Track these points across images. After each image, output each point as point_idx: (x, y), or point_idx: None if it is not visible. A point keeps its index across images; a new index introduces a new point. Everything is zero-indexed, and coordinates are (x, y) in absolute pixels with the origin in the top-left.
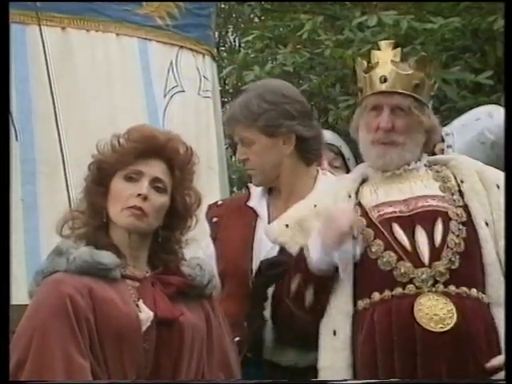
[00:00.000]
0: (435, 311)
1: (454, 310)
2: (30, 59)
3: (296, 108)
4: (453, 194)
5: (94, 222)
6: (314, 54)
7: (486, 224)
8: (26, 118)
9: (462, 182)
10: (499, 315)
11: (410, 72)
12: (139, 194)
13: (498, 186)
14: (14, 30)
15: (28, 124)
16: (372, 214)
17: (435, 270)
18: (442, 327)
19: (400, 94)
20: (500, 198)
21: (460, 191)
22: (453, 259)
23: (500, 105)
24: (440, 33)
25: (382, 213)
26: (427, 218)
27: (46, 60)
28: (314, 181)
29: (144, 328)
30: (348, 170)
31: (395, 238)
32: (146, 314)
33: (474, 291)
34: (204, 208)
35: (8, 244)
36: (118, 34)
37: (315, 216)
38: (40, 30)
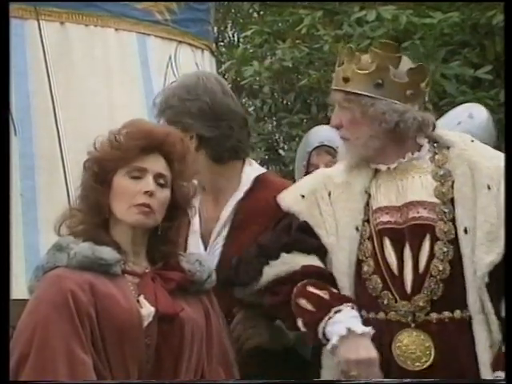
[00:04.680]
0: (413, 349)
1: (432, 346)
2: (29, 54)
3: (200, 107)
4: (445, 203)
5: (93, 219)
6: (312, 49)
7: (465, 231)
8: (25, 112)
9: (453, 182)
10: (479, 327)
11: (341, 68)
12: (146, 191)
13: (489, 187)
14: (13, 24)
15: (26, 119)
16: (372, 221)
17: (414, 304)
18: (418, 365)
19: (336, 90)
20: (488, 200)
21: (452, 199)
22: (435, 289)
23: (499, 100)
24: (439, 28)
25: (378, 221)
26: (416, 235)
27: (45, 55)
28: (238, 176)
29: (145, 324)
30: None
31: (385, 259)
32: (147, 310)
33: (457, 313)
34: None
35: (8, 239)
36: (116, 29)
37: (328, 202)
38: (38, 24)
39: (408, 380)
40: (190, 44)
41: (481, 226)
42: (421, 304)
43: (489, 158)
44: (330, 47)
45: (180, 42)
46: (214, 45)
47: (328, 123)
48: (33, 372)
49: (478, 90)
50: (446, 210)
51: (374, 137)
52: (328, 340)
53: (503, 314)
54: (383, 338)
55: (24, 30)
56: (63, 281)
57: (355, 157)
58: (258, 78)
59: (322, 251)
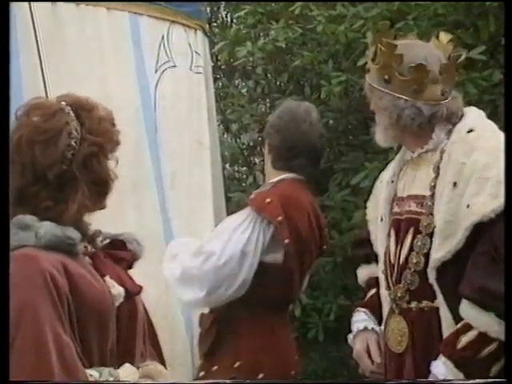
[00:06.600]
0: (396, 333)
1: (407, 331)
2: (20, 33)
3: (278, 124)
4: (432, 197)
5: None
6: (306, 30)
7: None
8: (16, 93)
9: (437, 175)
10: (444, 317)
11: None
12: None
13: (456, 184)
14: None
15: (18, 99)
16: (392, 211)
17: (394, 293)
18: (399, 349)
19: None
20: (450, 197)
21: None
22: (412, 281)
23: (492, 81)
24: (433, 8)
25: (393, 211)
26: (405, 228)
27: (36, 34)
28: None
29: (117, 304)
30: None
31: (389, 250)
32: (116, 290)
33: (436, 302)
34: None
35: (8, 235)
36: (108, 9)
37: (380, 189)
38: (29, 3)
39: (408, 380)
40: (182, 24)
41: (437, 221)
42: (399, 294)
43: (468, 153)
44: (323, 28)
45: (173, 21)
46: (207, 25)
47: (321, 104)
48: (20, 358)
49: (472, 71)
50: (430, 204)
51: (387, 127)
52: None
53: (463, 311)
54: (387, 320)
55: (14, 9)
56: (38, 261)
57: (380, 142)
58: (251, 59)
59: (374, 254)
